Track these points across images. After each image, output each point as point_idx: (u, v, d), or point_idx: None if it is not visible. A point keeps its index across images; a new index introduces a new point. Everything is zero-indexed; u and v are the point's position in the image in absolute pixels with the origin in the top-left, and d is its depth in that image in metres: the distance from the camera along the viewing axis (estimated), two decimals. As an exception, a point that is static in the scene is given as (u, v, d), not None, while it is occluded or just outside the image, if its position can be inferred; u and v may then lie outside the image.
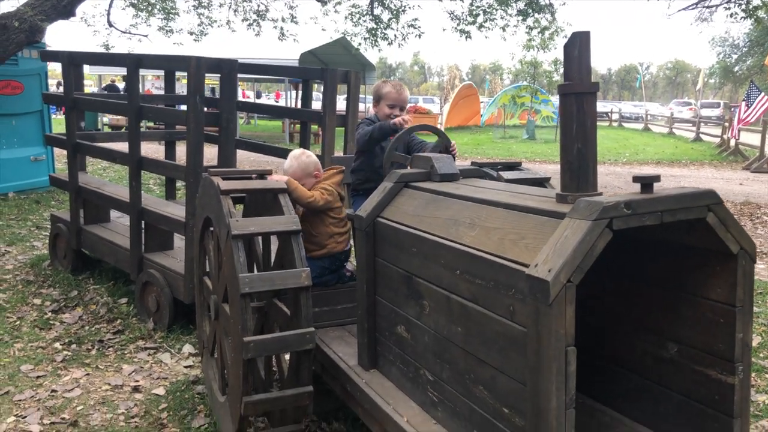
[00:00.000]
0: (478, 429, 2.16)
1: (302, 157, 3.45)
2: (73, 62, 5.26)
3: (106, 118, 21.18)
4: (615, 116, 38.76)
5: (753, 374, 4.01)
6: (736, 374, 1.99)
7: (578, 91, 2.01)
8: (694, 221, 1.92)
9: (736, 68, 54.04)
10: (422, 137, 3.83)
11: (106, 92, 19.99)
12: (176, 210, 4.76)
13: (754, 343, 4.52)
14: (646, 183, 1.87)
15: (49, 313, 5.05)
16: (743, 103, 18.84)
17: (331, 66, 14.84)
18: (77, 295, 5.40)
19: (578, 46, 2.01)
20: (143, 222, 4.90)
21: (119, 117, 20.46)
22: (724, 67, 54.57)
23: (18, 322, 4.87)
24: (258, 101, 27.06)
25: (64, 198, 9.66)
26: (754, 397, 3.74)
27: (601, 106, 51.93)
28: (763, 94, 18.28)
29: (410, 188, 2.86)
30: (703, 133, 26.06)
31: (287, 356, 3.21)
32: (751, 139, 19.83)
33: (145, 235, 4.96)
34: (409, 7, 12.38)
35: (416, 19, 12.63)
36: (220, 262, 3.28)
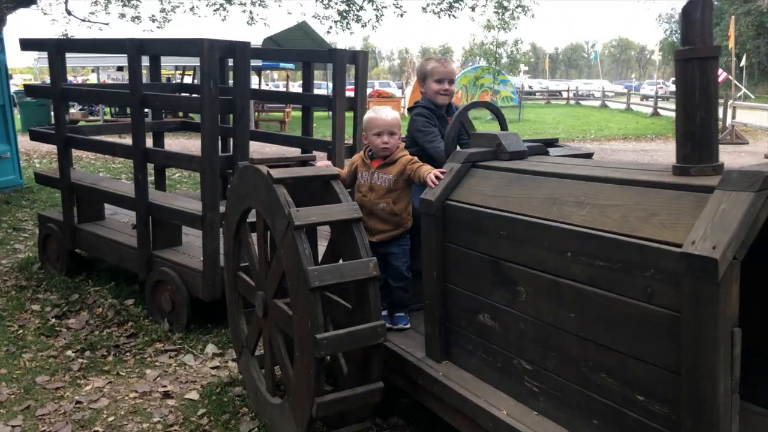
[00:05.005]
0: (598, 419, 2.05)
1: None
2: (61, 50, 4.89)
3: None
4: (571, 94, 39.31)
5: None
6: None
7: (701, 55, 1.89)
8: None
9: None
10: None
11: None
12: (188, 203, 4.50)
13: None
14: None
15: (53, 319, 4.73)
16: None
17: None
18: (79, 299, 5.08)
19: (700, 7, 1.89)
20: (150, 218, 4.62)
21: (77, 111, 19.65)
22: (670, 43, 56.02)
23: (21, 331, 4.55)
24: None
25: (36, 197, 9.17)
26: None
27: (554, 85, 52.83)
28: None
29: (479, 168, 2.72)
30: (660, 108, 26.64)
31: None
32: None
33: (152, 231, 4.68)
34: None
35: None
36: (268, 255, 3.09)
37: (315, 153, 5.68)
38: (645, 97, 30.92)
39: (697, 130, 1.93)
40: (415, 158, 3.07)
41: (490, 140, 2.81)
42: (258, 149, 13.24)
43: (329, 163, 3.11)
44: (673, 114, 24.64)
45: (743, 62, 31.25)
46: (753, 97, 26.41)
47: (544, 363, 2.26)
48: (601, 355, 2.01)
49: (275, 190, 2.76)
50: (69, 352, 4.22)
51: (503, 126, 3.25)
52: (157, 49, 4.36)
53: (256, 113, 20.37)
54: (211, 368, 4.04)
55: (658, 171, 2.08)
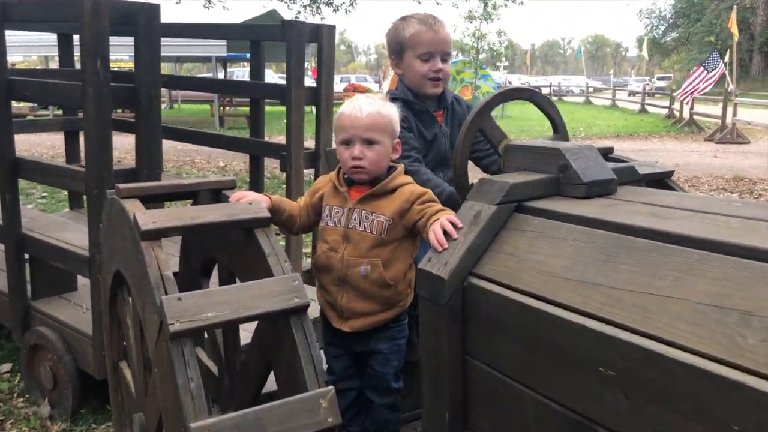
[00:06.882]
0: None
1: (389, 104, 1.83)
2: None
3: None
4: (552, 90, 38.40)
5: None
6: None
7: None
8: None
9: (663, 40, 54.91)
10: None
11: None
12: (77, 236, 3.16)
13: None
14: None
15: None
16: (701, 68, 18.12)
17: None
18: (-67, 364, 3.70)
19: None
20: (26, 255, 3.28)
21: (23, 105, 17.99)
22: (652, 38, 55.19)
23: None
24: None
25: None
26: None
27: (534, 81, 51.98)
28: (721, 63, 17.69)
29: (531, 214, 1.43)
30: (647, 104, 25.69)
31: None
32: (701, 109, 19.44)
33: (31, 272, 3.33)
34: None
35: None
36: (148, 359, 1.77)
37: (267, 160, 4.38)
38: (632, 93, 30.02)
39: None
40: (429, 192, 1.75)
41: (547, 159, 1.53)
42: (186, 149, 11.20)
43: (254, 195, 1.77)
44: (661, 111, 23.66)
45: (726, 58, 30.52)
46: (738, 93, 25.62)
47: None
48: None
49: (144, 253, 1.45)
50: None
51: (561, 132, 1.91)
52: (24, 13, 3.01)
53: (222, 108, 18.90)
54: (102, 483, 2.72)
55: None
